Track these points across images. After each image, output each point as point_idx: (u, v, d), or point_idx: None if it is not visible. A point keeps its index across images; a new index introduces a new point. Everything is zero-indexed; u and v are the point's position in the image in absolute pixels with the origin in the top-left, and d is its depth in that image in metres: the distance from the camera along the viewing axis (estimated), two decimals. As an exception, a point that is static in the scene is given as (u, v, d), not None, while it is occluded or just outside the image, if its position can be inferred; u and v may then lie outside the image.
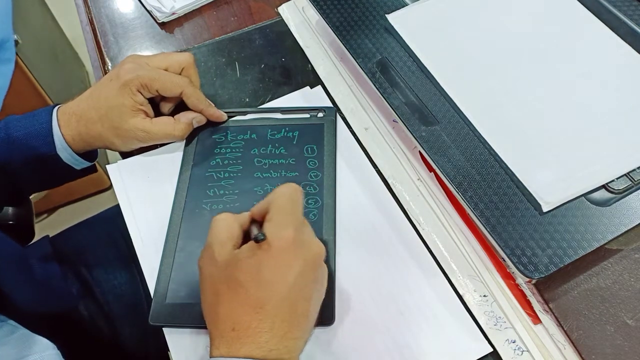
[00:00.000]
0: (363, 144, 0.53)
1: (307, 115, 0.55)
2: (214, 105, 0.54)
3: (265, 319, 0.36)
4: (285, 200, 0.40)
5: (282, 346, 0.36)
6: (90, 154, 0.56)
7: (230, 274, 0.37)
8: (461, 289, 0.45)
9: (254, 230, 0.39)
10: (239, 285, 0.36)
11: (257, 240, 0.37)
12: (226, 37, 0.64)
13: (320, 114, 0.55)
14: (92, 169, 0.58)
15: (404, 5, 0.56)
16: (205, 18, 0.67)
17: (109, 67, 0.63)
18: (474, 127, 0.47)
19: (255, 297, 0.36)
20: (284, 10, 0.65)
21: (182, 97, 0.52)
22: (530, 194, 0.43)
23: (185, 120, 0.53)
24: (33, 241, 0.69)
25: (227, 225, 0.40)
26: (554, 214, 0.42)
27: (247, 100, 0.58)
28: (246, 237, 0.41)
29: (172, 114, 0.54)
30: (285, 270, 0.37)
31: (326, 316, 0.43)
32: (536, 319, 0.42)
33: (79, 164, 0.55)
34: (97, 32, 0.67)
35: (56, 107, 0.52)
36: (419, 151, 0.51)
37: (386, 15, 0.54)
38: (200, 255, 0.40)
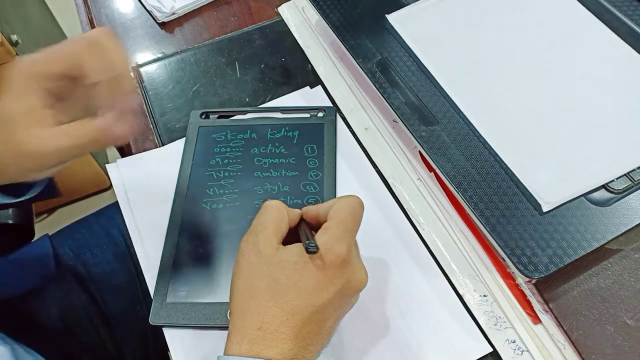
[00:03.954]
0: (363, 144, 0.53)
1: (307, 115, 0.55)
2: (134, 90, 0.38)
3: (294, 327, 0.35)
4: (347, 214, 0.38)
5: (301, 357, 0.35)
6: (16, 188, 0.42)
7: (272, 273, 0.36)
8: (461, 289, 0.45)
9: (305, 236, 0.38)
10: (278, 287, 0.36)
11: (308, 251, 0.36)
12: (226, 37, 0.64)
13: (320, 114, 0.55)
14: (51, 193, 0.45)
15: (404, 5, 0.56)
16: (205, 18, 0.67)
17: (109, 67, 0.63)
18: (474, 127, 0.47)
19: (291, 303, 0.35)
20: (284, 10, 0.65)
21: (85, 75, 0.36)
22: (530, 194, 0.43)
23: (100, 124, 0.36)
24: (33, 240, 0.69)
25: (278, 215, 0.39)
26: (554, 214, 0.42)
27: (247, 100, 0.58)
28: (290, 233, 0.40)
29: None
30: (326, 286, 0.36)
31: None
32: (536, 319, 0.42)
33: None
34: (97, 31, 0.67)
35: None
36: (419, 151, 0.51)
37: (386, 15, 0.55)
38: (245, 238, 0.38)
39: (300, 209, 0.42)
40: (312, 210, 0.41)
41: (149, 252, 0.49)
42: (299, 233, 0.40)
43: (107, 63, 0.36)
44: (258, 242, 0.37)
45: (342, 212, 0.39)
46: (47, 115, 0.35)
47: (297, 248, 0.37)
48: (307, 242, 0.36)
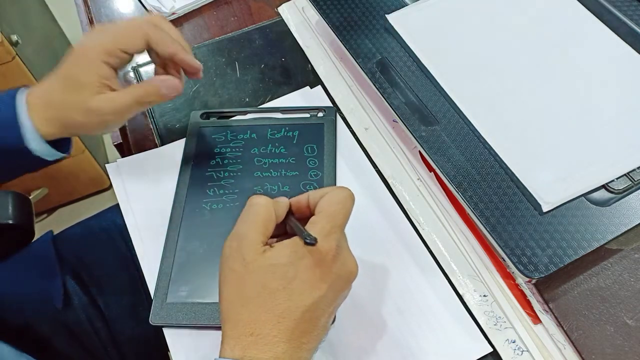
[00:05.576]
0: (363, 144, 0.53)
1: (307, 115, 0.55)
2: (190, 51, 0.48)
3: (286, 329, 0.35)
4: (337, 208, 0.37)
5: (297, 357, 0.35)
6: (63, 145, 0.51)
7: (260, 279, 0.35)
8: (461, 289, 0.45)
9: (300, 230, 0.37)
10: (268, 293, 0.35)
11: (306, 242, 0.35)
12: (226, 37, 0.64)
13: (320, 114, 0.55)
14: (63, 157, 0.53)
15: (404, 5, 0.56)
16: (205, 18, 0.67)
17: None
18: (474, 127, 0.47)
19: (282, 306, 0.35)
20: (284, 10, 0.65)
21: (151, 48, 0.46)
22: (530, 194, 0.43)
23: (152, 82, 0.47)
24: (36, 238, 0.69)
25: (265, 215, 0.37)
26: (554, 214, 0.42)
27: (247, 100, 0.58)
28: (277, 227, 0.39)
29: None
30: (317, 284, 0.35)
31: (326, 316, 0.43)
32: (536, 319, 0.42)
33: (52, 155, 0.49)
34: (97, 32, 0.67)
35: (23, 92, 0.47)
36: (419, 151, 0.51)
37: (386, 15, 0.54)
38: (228, 243, 0.37)
39: (289, 199, 0.40)
40: (302, 200, 0.40)
41: (150, 253, 0.49)
42: (290, 227, 0.39)
43: (168, 39, 0.46)
44: (242, 248, 0.36)
45: (332, 206, 0.38)
46: (110, 83, 0.46)
47: (285, 249, 0.36)
48: (304, 234, 0.35)
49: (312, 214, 0.39)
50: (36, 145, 0.47)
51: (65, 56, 0.47)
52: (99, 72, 0.45)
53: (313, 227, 0.37)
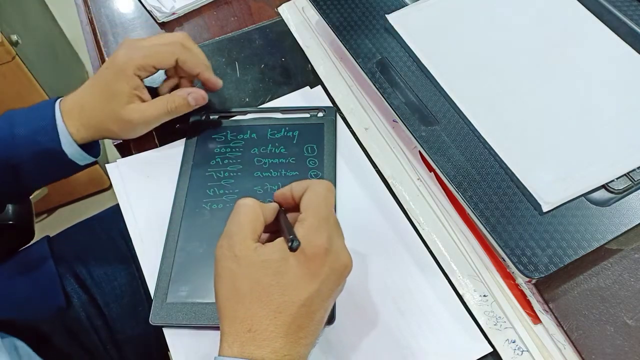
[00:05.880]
0: (363, 144, 0.53)
1: (307, 115, 0.55)
2: (210, 67, 0.54)
3: (283, 324, 0.35)
4: (320, 202, 0.38)
5: (295, 352, 0.35)
6: (93, 149, 0.54)
7: (253, 275, 0.36)
8: (461, 289, 0.45)
9: (287, 231, 0.37)
10: (262, 288, 0.35)
11: (291, 248, 0.36)
12: (226, 37, 0.64)
13: (320, 114, 0.55)
14: (92, 162, 0.57)
15: (404, 5, 0.56)
16: (205, 18, 0.67)
17: (109, 67, 0.63)
18: (474, 127, 0.47)
19: (277, 301, 0.35)
20: (284, 10, 0.65)
21: (180, 66, 0.52)
22: (530, 194, 0.43)
23: (180, 94, 0.52)
24: (33, 241, 0.69)
25: (252, 215, 0.38)
26: (554, 214, 0.42)
27: (247, 100, 0.58)
28: (267, 227, 0.39)
29: None
30: (311, 278, 0.36)
31: (326, 316, 0.43)
32: (536, 319, 0.42)
33: (83, 159, 0.53)
34: (97, 32, 0.67)
35: (58, 100, 0.51)
36: (419, 151, 0.51)
37: (386, 15, 0.55)
38: (219, 243, 0.38)
39: (274, 194, 0.41)
40: (287, 192, 0.40)
41: (150, 252, 0.49)
42: (280, 226, 0.39)
43: (195, 61, 0.52)
44: (233, 246, 0.37)
45: (315, 202, 0.38)
46: (140, 93, 0.51)
47: (277, 245, 0.37)
48: (290, 237, 0.36)
49: (296, 204, 0.40)
50: (70, 149, 0.50)
51: (99, 68, 0.52)
52: (131, 83, 0.50)
53: (301, 224, 0.37)
